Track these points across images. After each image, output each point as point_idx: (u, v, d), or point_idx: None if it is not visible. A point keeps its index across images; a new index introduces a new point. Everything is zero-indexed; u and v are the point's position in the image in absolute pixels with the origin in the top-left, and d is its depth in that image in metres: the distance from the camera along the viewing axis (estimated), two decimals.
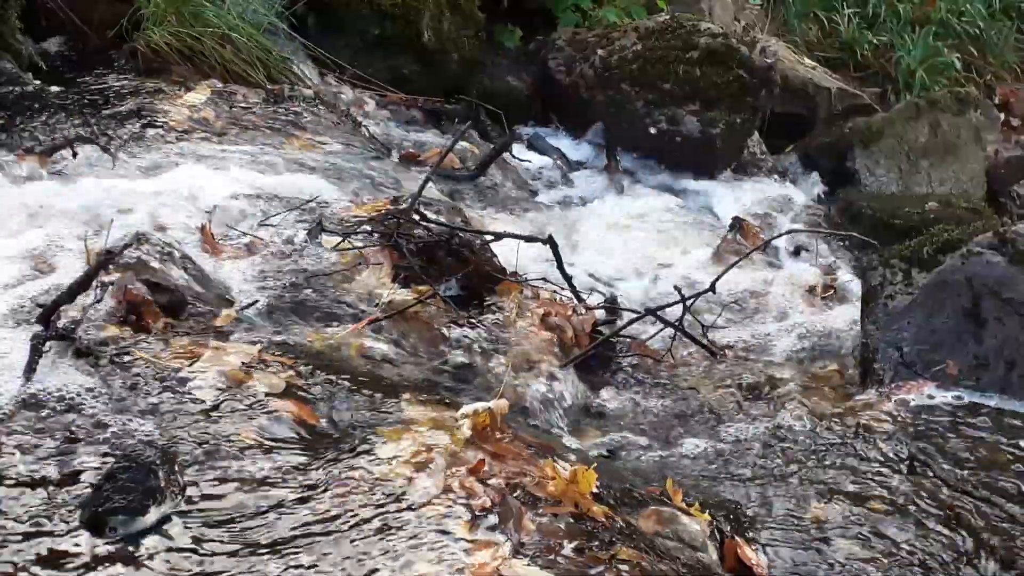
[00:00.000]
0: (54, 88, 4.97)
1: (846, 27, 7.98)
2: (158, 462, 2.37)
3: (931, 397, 3.52)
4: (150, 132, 4.69)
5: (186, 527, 2.32)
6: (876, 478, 3.06)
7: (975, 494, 2.98)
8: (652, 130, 5.96)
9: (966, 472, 3.09)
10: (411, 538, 2.29)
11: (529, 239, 4.05)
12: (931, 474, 3.04)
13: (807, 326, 4.24)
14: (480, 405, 2.67)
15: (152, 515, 2.31)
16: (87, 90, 5.05)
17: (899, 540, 2.82)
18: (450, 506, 2.37)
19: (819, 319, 4.31)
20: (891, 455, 3.16)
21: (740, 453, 3.20)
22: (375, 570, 2.21)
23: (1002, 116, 7.31)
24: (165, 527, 2.30)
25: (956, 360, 3.61)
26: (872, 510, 2.91)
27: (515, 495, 2.43)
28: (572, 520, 2.42)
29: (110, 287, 3.18)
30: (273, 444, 2.64)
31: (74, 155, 4.35)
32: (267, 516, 2.38)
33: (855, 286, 4.47)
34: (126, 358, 2.91)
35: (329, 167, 4.71)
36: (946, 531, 2.85)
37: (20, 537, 2.25)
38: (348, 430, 2.75)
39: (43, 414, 2.64)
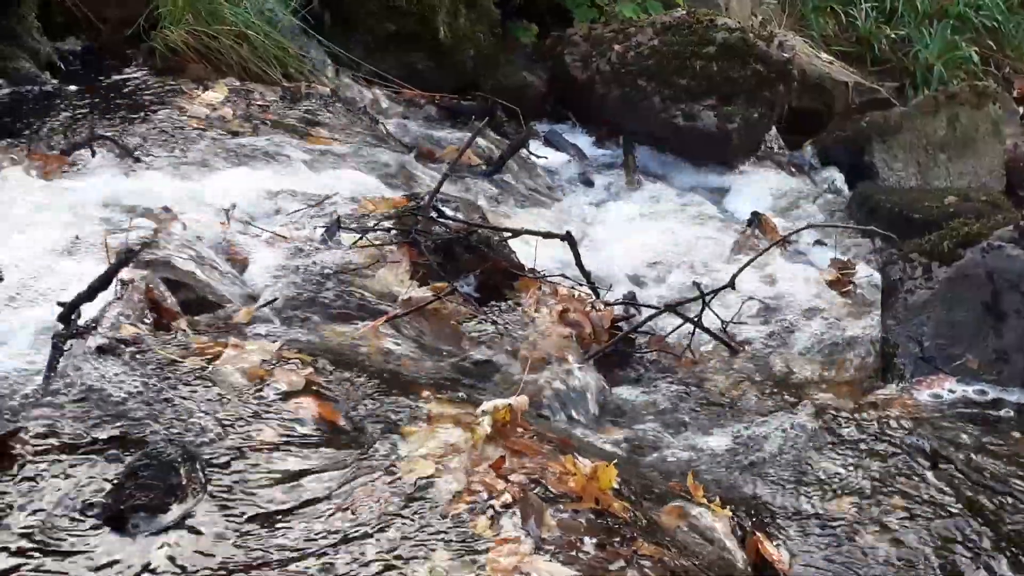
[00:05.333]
0: (72, 87, 4.99)
1: (863, 21, 7.94)
2: (179, 459, 2.37)
3: (952, 391, 3.51)
4: (168, 130, 4.70)
5: (207, 524, 2.32)
6: (897, 472, 3.05)
7: (998, 488, 2.96)
8: (669, 125, 5.95)
9: (988, 466, 3.08)
10: (433, 535, 2.29)
11: (547, 235, 4.05)
12: (953, 468, 3.02)
13: (826, 321, 4.22)
14: (500, 402, 2.67)
15: (174, 512, 2.32)
16: (105, 89, 5.06)
17: (921, 535, 2.81)
18: (471, 503, 2.37)
19: (838, 313, 4.29)
20: (912, 449, 3.15)
21: (760, 448, 3.19)
22: (397, 567, 2.21)
23: (1021, 110, 7.27)
24: (186, 524, 2.31)
25: (976, 354, 3.60)
26: (893, 505, 2.90)
27: (536, 491, 2.43)
28: (593, 516, 2.42)
29: (130, 285, 3.19)
30: (293, 441, 2.64)
31: (93, 154, 4.37)
32: (288, 513, 2.38)
33: (874, 280, 4.45)
34: (146, 356, 2.92)
35: (346, 164, 4.71)
36: (969, 525, 2.83)
37: (43, 533, 2.26)
38: (368, 427, 2.75)
39: (64, 412, 2.65)
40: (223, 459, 2.54)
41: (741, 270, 3.99)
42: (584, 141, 6.09)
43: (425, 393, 2.93)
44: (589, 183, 5.74)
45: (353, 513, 2.36)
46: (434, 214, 3.93)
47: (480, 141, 5.32)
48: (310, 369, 2.96)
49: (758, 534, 2.69)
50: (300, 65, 5.55)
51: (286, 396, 2.81)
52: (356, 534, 2.30)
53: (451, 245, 3.84)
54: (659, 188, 5.75)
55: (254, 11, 5.48)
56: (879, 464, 3.08)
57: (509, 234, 4.02)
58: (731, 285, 3.92)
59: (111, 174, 4.24)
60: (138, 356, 2.91)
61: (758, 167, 6.08)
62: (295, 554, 2.26)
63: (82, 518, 2.31)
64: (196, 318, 3.31)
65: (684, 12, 6.30)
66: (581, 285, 3.96)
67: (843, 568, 2.70)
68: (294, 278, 3.62)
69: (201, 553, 2.25)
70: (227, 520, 2.35)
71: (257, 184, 4.27)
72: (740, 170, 6.00)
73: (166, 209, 3.88)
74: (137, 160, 4.39)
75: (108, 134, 4.54)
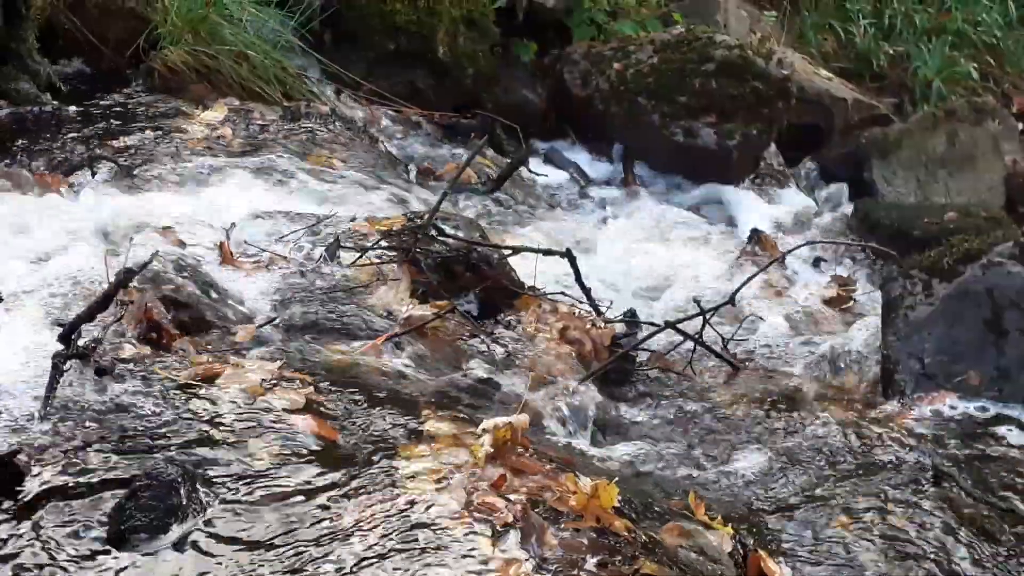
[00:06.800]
0: (72, 108, 5.00)
1: (862, 38, 7.96)
2: (179, 480, 2.37)
3: (953, 408, 3.51)
4: (168, 150, 4.71)
5: (208, 545, 2.32)
6: (899, 489, 3.04)
7: (1000, 506, 2.96)
8: (668, 142, 5.96)
9: (990, 483, 3.07)
10: (433, 555, 2.28)
11: (547, 252, 4.05)
12: (955, 485, 3.02)
13: (827, 337, 4.22)
14: (500, 420, 2.66)
15: (174, 533, 2.31)
16: (105, 109, 5.07)
17: (923, 553, 2.80)
18: (472, 522, 2.36)
19: (839, 330, 4.29)
20: (914, 466, 3.15)
21: (761, 465, 3.19)
22: None
23: (1020, 125, 7.28)
24: (187, 545, 2.30)
25: (978, 371, 3.59)
26: (895, 522, 2.89)
27: (537, 510, 2.42)
28: (594, 535, 2.41)
29: (130, 305, 3.19)
30: (294, 461, 2.63)
31: (93, 174, 4.37)
32: (288, 534, 2.37)
33: (874, 297, 4.45)
34: (146, 376, 2.92)
35: (346, 183, 4.72)
36: (971, 543, 2.83)
37: (43, 556, 2.25)
38: (369, 446, 2.74)
39: (64, 433, 2.64)
40: (224, 479, 2.53)
41: (741, 287, 4.00)
42: (584, 158, 6.10)
43: (425, 411, 2.93)
44: (589, 200, 5.75)
45: (353, 532, 2.36)
46: (434, 232, 3.93)
47: (480, 159, 5.33)
48: (310, 388, 2.95)
49: (760, 552, 2.68)
50: (300, 84, 5.57)
51: (286, 415, 2.80)
52: (356, 553, 2.29)
53: (451, 263, 3.84)
54: (659, 205, 5.76)
55: (254, 31, 5.50)
56: (880, 480, 3.08)
57: (509, 252, 4.02)
58: (731, 302, 3.92)
59: (111, 194, 4.25)
60: (138, 376, 2.91)
61: (757, 184, 6.10)
62: (295, 574, 2.25)
63: (82, 539, 2.30)
64: (196, 338, 3.31)
65: (683, 30, 6.31)
66: (581, 302, 3.96)
67: None
68: (294, 297, 3.62)
69: (201, 574, 2.24)
70: (227, 540, 2.34)
71: (257, 203, 4.27)
72: (739, 187, 6.01)
73: (166, 229, 3.88)
74: (136, 180, 4.39)
75: (108, 154, 4.55)
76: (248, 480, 2.53)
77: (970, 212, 5.60)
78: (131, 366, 2.96)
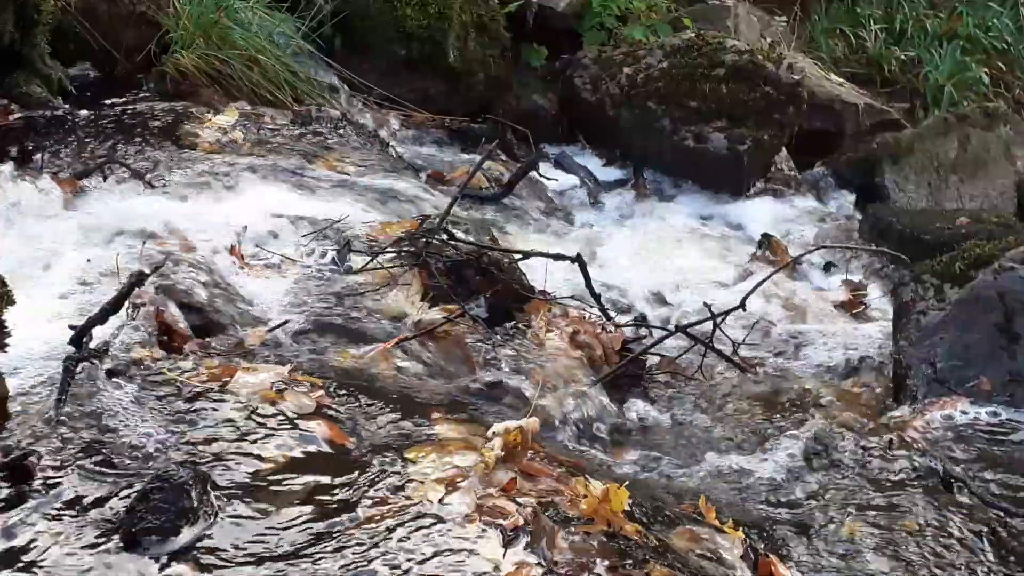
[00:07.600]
0: (83, 112, 5.01)
1: (873, 43, 7.94)
2: (191, 482, 2.37)
3: (965, 413, 3.50)
4: (179, 154, 4.72)
5: (219, 548, 2.32)
6: (910, 495, 3.04)
7: (1012, 511, 2.95)
8: (679, 148, 5.95)
9: (1002, 489, 3.07)
10: (443, 558, 2.28)
11: (557, 257, 4.05)
12: (966, 491, 3.01)
13: (838, 342, 4.21)
14: (511, 423, 2.67)
15: (185, 535, 2.31)
16: (116, 113, 5.08)
17: (934, 558, 2.79)
18: (482, 525, 2.36)
19: (850, 335, 4.28)
20: (925, 471, 3.14)
21: (772, 470, 3.18)
22: None
23: None
24: (198, 547, 2.30)
25: (990, 376, 3.58)
26: (906, 527, 2.89)
27: (547, 514, 2.42)
28: (605, 538, 2.41)
29: (142, 308, 3.20)
30: (304, 465, 2.64)
31: (104, 178, 4.38)
32: (299, 537, 2.38)
33: (885, 302, 4.44)
34: (158, 379, 2.92)
35: (357, 188, 4.72)
36: (982, 549, 2.82)
37: (55, 558, 2.26)
38: (379, 449, 2.75)
39: (76, 435, 2.65)
40: (235, 482, 2.53)
41: (752, 291, 3.98)
42: (594, 163, 6.09)
43: (436, 415, 2.93)
44: (599, 205, 5.74)
45: (363, 537, 2.36)
46: (445, 236, 3.93)
47: (490, 164, 5.33)
48: (321, 392, 2.96)
49: (771, 556, 2.68)
50: (311, 89, 5.57)
51: (297, 419, 2.80)
52: (366, 558, 2.30)
53: (462, 267, 3.84)
54: (669, 210, 5.74)
55: (265, 35, 5.51)
56: (892, 486, 3.07)
57: (519, 256, 4.02)
58: (742, 307, 3.91)
59: (123, 198, 4.26)
60: (149, 379, 2.91)
61: (768, 189, 6.08)
62: None
63: (94, 541, 2.31)
64: (207, 341, 3.32)
65: (693, 35, 6.30)
66: (591, 307, 3.96)
67: None
68: (305, 301, 3.63)
69: None
70: (238, 544, 2.34)
71: (268, 207, 4.28)
72: (750, 192, 5.99)
73: (177, 232, 3.89)
74: (148, 184, 4.40)
75: (119, 158, 4.56)
76: (259, 483, 2.54)
77: (981, 217, 5.58)
78: (143, 369, 2.96)
